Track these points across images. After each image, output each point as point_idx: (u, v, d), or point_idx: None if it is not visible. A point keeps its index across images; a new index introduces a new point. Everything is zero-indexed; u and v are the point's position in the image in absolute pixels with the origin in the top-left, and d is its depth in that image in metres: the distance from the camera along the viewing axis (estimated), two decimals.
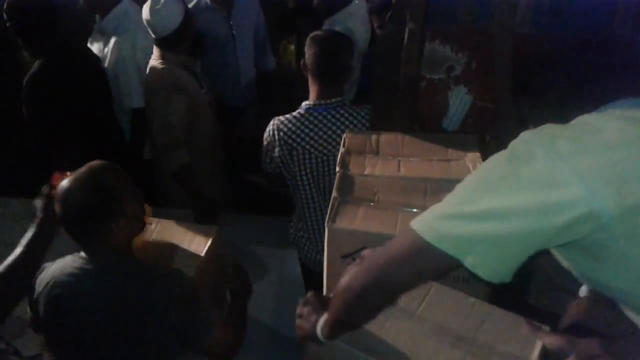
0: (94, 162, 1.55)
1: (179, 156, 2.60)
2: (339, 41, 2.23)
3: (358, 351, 1.21)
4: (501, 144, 1.85)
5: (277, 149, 2.19)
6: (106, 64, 2.99)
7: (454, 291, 1.35)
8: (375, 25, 3.30)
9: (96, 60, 2.96)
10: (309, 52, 2.17)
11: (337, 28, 3.08)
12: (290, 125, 2.17)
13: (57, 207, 1.51)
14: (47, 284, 1.55)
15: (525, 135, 1.04)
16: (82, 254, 1.57)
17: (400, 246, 1.08)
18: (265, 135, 2.24)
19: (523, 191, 0.96)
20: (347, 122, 2.17)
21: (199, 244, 1.89)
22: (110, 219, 1.50)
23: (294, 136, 2.16)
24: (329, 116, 2.17)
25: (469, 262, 0.99)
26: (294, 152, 2.17)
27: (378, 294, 1.13)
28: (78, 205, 1.47)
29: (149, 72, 2.69)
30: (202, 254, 1.84)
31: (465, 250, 0.99)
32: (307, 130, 2.16)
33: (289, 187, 2.31)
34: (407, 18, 1.98)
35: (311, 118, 2.17)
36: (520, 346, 1.20)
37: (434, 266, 1.07)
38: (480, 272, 0.99)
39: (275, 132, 2.19)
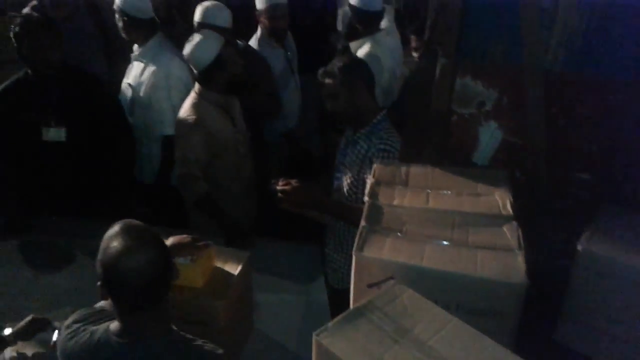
0: (133, 224, 1.42)
1: (196, 188, 2.68)
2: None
3: None
4: (532, 181, 1.87)
5: None
6: (141, 92, 3.10)
7: (472, 330, 1.30)
8: (412, 44, 3.32)
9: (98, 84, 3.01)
10: None
11: (362, 53, 3.17)
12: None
13: (112, 280, 1.36)
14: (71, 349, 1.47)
15: None
16: (115, 326, 1.43)
17: None
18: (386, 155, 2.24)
19: None
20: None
21: (231, 268, 1.93)
22: (172, 276, 1.45)
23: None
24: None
25: None
26: None
27: None
28: (149, 272, 1.35)
29: (183, 105, 2.79)
30: (234, 279, 1.88)
31: None
32: None
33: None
34: (439, 53, 2.03)
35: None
36: None
37: None
38: None
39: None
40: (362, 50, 3.28)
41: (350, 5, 3.39)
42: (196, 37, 2.68)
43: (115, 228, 1.39)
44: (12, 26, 2.64)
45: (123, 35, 3.20)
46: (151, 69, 3.10)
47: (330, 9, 4.37)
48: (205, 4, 3.20)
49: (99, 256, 1.37)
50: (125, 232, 1.37)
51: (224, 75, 2.72)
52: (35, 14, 2.87)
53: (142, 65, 3.15)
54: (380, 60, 3.19)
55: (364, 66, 2.34)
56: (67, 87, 2.74)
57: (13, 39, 2.64)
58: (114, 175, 2.92)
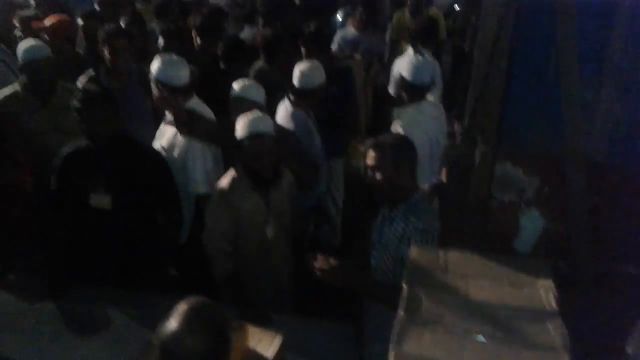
0: (198, 304, 1.45)
1: (224, 265, 2.69)
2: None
3: None
4: (576, 272, 1.82)
5: None
6: (175, 153, 3.18)
7: None
8: (455, 129, 3.33)
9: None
10: None
11: (405, 117, 3.23)
12: None
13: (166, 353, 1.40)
14: None
15: None
16: None
17: None
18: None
19: None
20: None
21: (265, 350, 1.90)
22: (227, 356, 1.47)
23: None
24: None
25: None
26: None
27: None
28: (199, 352, 1.38)
29: (221, 179, 2.84)
30: None
31: None
32: None
33: None
34: (479, 140, 2.04)
35: None
36: None
37: None
38: None
39: None
40: (405, 115, 3.35)
41: (400, 76, 3.49)
42: (245, 117, 2.74)
43: (180, 307, 1.42)
44: (73, 99, 2.79)
45: (157, 102, 3.30)
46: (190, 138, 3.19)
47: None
48: (241, 81, 3.31)
49: (159, 332, 1.39)
50: (187, 313, 1.40)
51: (254, 150, 2.71)
52: (94, 86, 2.98)
53: (174, 128, 3.25)
54: (421, 125, 3.26)
55: (411, 146, 2.36)
56: (118, 156, 2.85)
57: (74, 111, 2.78)
58: (156, 247, 2.96)
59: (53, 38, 4.20)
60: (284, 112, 3.51)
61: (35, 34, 4.13)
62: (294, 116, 3.46)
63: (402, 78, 3.45)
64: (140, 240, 2.88)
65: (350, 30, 5.75)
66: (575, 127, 1.93)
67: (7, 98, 3.40)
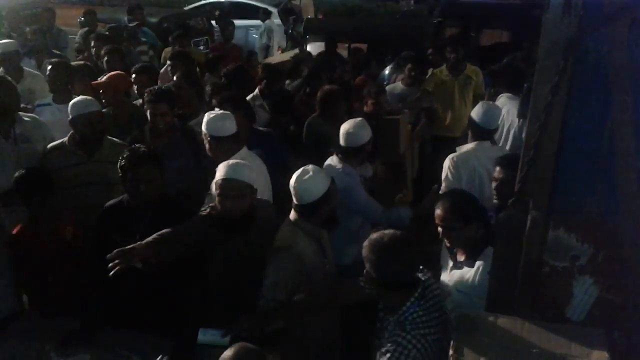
0: (245, 350, 1.56)
1: (275, 321, 2.67)
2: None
3: None
4: (631, 342, 1.75)
5: None
6: None
7: None
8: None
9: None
10: None
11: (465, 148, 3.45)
12: None
13: None
14: None
15: None
16: None
17: None
18: None
19: None
20: None
21: None
22: None
23: None
24: None
25: None
26: None
27: None
28: None
29: (278, 233, 2.86)
30: None
31: None
32: None
33: None
34: (531, 204, 2.02)
35: None
36: None
37: None
38: None
39: None
40: (463, 149, 3.83)
41: (469, 118, 3.91)
42: (307, 171, 2.77)
43: (229, 353, 1.56)
44: (120, 158, 2.89)
45: (209, 154, 3.42)
46: None
47: None
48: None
49: None
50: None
51: (327, 210, 2.78)
52: (140, 147, 3.04)
53: None
54: (474, 161, 3.67)
55: (410, 245, 2.28)
56: (158, 215, 2.89)
57: (119, 169, 2.88)
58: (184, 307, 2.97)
59: (111, 93, 4.40)
60: (334, 168, 3.60)
61: (94, 92, 4.36)
62: (346, 172, 3.56)
63: (470, 118, 3.89)
64: (169, 298, 2.91)
65: (398, 85, 5.86)
66: (631, 194, 1.90)
67: (54, 150, 3.58)
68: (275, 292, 2.68)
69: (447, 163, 3.78)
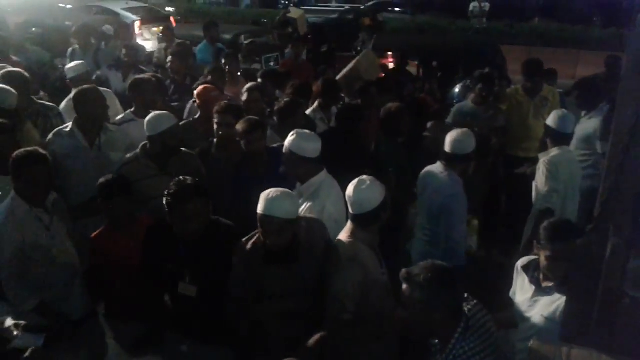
0: None
1: (342, 334, 2.69)
2: None
3: None
4: None
5: None
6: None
7: None
8: None
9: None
10: None
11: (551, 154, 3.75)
12: None
13: None
14: None
15: None
16: None
17: None
18: None
19: None
20: None
21: None
22: None
23: None
24: None
25: None
26: None
27: None
28: None
29: (335, 243, 2.88)
30: None
31: None
32: None
33: None
34: (611, 231, 1.92)
35: None
36: None
37: None
38: None
39: None
40: (549, 153, 4.08)
41: (546, 127, 4.20)
42: (364, 181, 2.80)
43: None
44: (166, 193, 2.83)
45: (288, 170, 3.41)
46: (308, 204, 3.27)
47: None
48: None
49: None
50: None
51: (383, 219, 2.81)
52: (186, 180, 2.91)
53: (301, 199, 3.36)
54: (566, 162, 3.99)
55: (451, 278, 2.23)
56: (207, 246, 2.90)
57: (165, 205, 2.83)
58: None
59: (204, 106, 4.52)
60: (438, 174, 3.78)
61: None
62: (452, 178, 3.73)
63: (546, 126, 4.16)
64: (221, 325, 2.95)
65: (468, 104, 5.77)
66: None
67: (128, 163, 3.71)
68: (344, 303, 2.68)
69: (542, 167, 4.05)
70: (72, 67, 5.32)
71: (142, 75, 4.83)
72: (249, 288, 2.85)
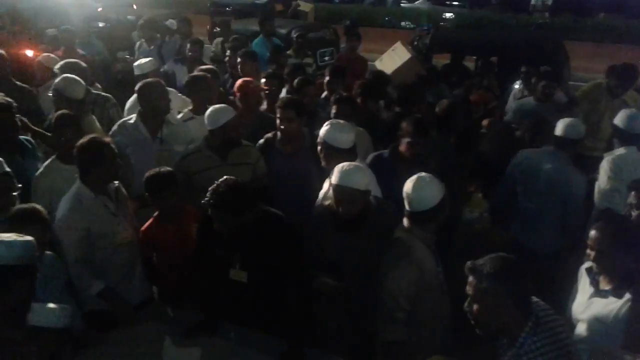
0: None
1: (396, 332, 2.68)
2: None
3: None
4: None
5: None
6: None
7: None
8: None
9: None
10: None
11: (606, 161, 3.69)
12: None
13: None
14: None
15: None
16: None
17: None
18: None
19: None
20: None
21: None
22: None
23: None
24: None
25: None
26: None
27: None
28: None
29: (392, 241, 2.87)
30: None
31: None
32: None
33: None
34: None
35: None
36: None
37: None
38: None
39: None
40: (614, 153, 4.06)
41: (613, 126, 4.17)
42: (424, 179, 2.79)
43: None
44: (207, 195, 2.87)
45: (323, 164, 3.46)
46: None
47: None
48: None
49: None
50: None
51: (441, 218, 2.79)
52: (228, 179, 2.93)
53: None
54: (631, 162, 3.90)
55: (521, 271, 2.17)
56: (257, 234, 2.93)
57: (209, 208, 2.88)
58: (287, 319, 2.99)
59: (244, 98, 4.60)
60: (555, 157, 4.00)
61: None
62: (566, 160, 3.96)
63: (614, 125, 4.13)
64: (272, 311, 2.99)
65: (530, 101, 5.65)
66: None
67: (191, 155, 3.81)
68: (399, 301, 2.69)
69: (605, 165, 4.01)
70: (140, 64, 5.34)
71: (196, 73, 4.86)
72: (313, 255, 3.01)
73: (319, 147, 3.46)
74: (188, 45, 6.72)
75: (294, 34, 8.34)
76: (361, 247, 2.97)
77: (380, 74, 5.81)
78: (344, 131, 3.40)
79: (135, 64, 5.45)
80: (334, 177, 2.91)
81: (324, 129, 3.42)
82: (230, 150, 3.78)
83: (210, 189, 2.88)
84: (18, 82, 5.28)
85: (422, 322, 2.75)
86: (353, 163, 3.01)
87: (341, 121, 3.57)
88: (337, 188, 2.91)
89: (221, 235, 2.96)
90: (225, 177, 2.94)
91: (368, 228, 2.99)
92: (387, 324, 2.73)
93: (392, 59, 6.97)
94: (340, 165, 2.95)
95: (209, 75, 4.83)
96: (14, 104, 3.83)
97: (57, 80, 4.36)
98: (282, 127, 3.92)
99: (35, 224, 2.72)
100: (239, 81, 4.79)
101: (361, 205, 2.94)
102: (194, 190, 3.52)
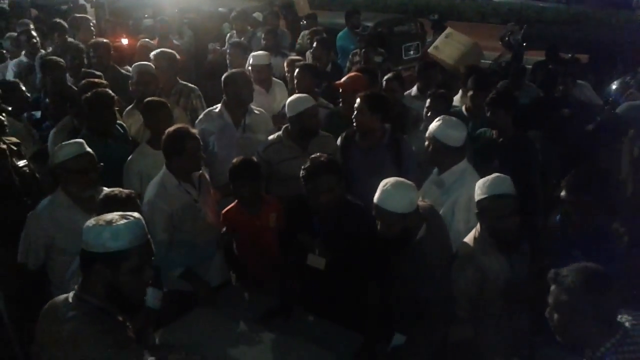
0: None
1: (462, 330, 2.67)
2: None
3: None
4: None
5: None
6: (441, 212, 3.19)
7: None
8: None
9: None
10: None
11: None
12: None
13: None
14: None
15: None
16: None
17: None
18: None
19: None
20: None
21: None
22: None
23: None
24: None
25: None
26: None
27: None
28: None
29: (463, 241, 2.87)
30: None
31: None
32: None
33: None
34: None
35: None
36: None
37: None
38: None
39: None
40: None
41: None
42: (500, 178, 2.76)
43: None
44: (302, 168, 2.97)
45: (429, 157, 3.37)
46: (452, 195, 3.23)
47: None
48: None
49: None
50: None
51: (510, 223, 2.70)
52: (321, 156, 3.03)
53: (438, 190, 3.30)
54: None
55: (604, 284, 2.03)
56: (338, 222, 2.98)
57: (301, 179, 2.97)
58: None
59: (350, 93, 4.49)
60: None
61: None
62: None
63: None
64: (347, 303, 3.00)
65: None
66: None
67: (272, 145, 3.88)
68: (459, 300, 2.71)
69: None
70: (257, 55, 5.30)
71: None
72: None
73: (426, 143, 3.34)
74: (262, 34, 6.82)
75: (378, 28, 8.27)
76: (406, 269, 2.82)
77: (430, 64, 5.67)
78: (457, 129, 3.28)
79: (253, 54, 5.43)
80: (376, 195, 2.73)
81: (434, 125, 3.28)
82: (309, 140, 3.81)
83: (307, 161, 2.97)
84: (123, 70, 5.61)
85: (484, 322, 2.74)
86: (398, 181, 2.75)
87: (453, 118, 3.41)
88: (376, 208, 2.74)
89: (305, 220, 3.03)
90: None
91: (413, 250, 2.79)
92: (452, 324, 2.73)
93: (451, 45, 6.72)
94: (384, 182, 2.74)
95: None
96: (115, 97, 4.06)
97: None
98: (354, 118, 3.87)
99: (124, 207, 2.84)
100: (350, 77, 4.61)
101: (401, 227, 2.73)
102: (274, 180, 3.59)
